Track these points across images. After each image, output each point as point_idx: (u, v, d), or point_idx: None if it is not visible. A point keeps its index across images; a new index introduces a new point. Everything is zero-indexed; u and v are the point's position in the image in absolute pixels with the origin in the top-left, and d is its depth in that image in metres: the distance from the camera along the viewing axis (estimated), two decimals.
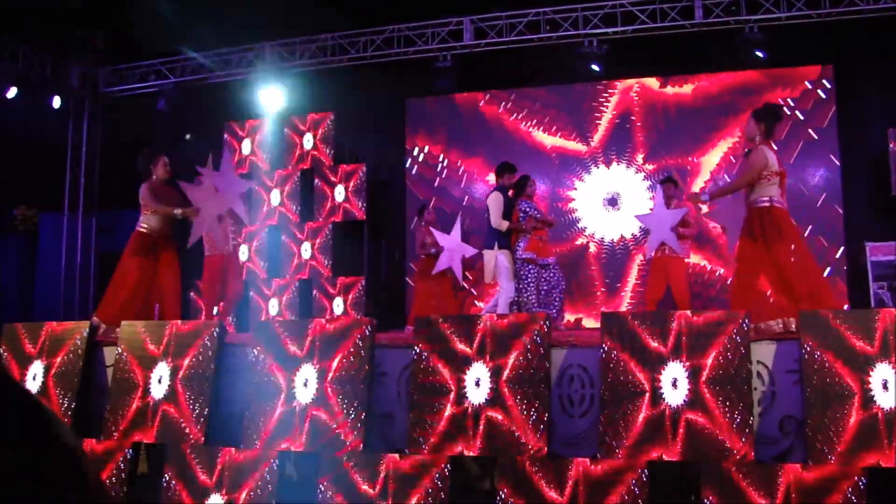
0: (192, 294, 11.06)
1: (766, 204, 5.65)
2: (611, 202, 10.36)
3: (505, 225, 7.74)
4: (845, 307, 8.75)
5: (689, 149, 10.29)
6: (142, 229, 7.05)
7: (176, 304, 7.21)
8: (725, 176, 9.90)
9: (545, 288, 7.75)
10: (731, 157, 9.99)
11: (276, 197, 11.00)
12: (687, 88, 10.40)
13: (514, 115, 11.05)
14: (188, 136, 7.27)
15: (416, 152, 11.26)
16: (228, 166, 7.12)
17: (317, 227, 10.73)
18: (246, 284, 11.01)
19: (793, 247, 5.63)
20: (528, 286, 7.68)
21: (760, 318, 5.33)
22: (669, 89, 10.46)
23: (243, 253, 10.71)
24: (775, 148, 5.99)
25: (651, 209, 8.94)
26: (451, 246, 8.21)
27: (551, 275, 7.80)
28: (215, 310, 8.45)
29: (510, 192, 8.05)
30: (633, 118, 10.52)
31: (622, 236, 10.52)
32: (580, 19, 9.90)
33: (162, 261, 7.08)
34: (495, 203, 7.82)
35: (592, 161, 10.67)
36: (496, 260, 7.76)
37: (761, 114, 5.89)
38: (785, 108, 6.21)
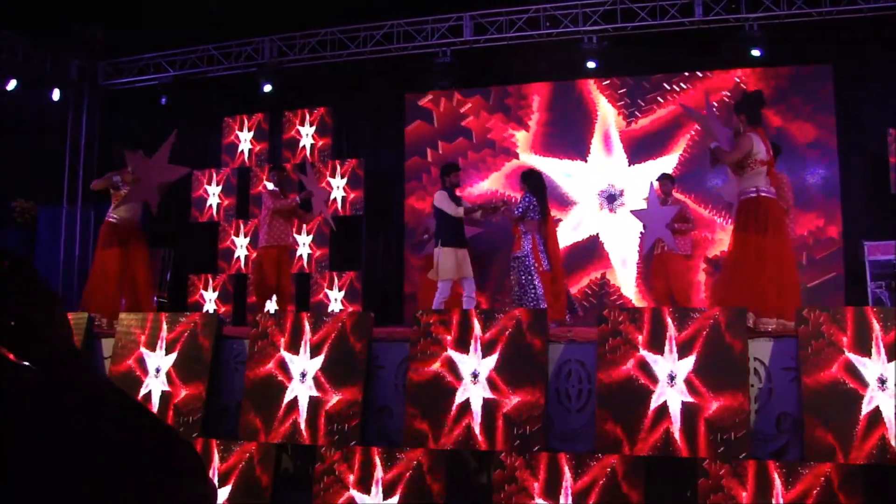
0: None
1: (753, 195, 5.63)
2: (609, 199, 10.31)
3: (461, 211, 7.67)
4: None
5: (683, 146, 10.26)
6: (111, 220, 7.22)
7: (149, 296, 7.37)
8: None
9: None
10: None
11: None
12: (684, 86, 10.37)
13: (508, 114, 10.99)
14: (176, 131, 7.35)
15: (414, 147, 11.23)
16: (165, 153, 7.16)
17: (314, 221, 10.71)
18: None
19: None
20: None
21: (757, 313, 5.30)
22: (667, 87, 10.43)
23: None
24: (763, 136, 5.90)
25: (645, 205, 8.90)
26: None
27: (515, 270, 7.76)
28: (269, 304, 8.43)
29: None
30: (629, 115, 10.48)
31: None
32: (580, 16, 9.89)
33: (132, 252, 7.19)
34: (441, 199, 7.73)
35: (586, 166, 10.64)
36: (436, 257, 7.77)
37: (740, 104, 5.97)
38: (763, 94, 6.24)
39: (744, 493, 4.13)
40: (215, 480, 4.99)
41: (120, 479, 0.97)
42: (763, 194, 5.63)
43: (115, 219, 7.18)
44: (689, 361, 4.51)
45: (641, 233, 9.31)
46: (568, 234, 10.48)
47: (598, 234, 10.46)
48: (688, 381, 4.48)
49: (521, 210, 7.76)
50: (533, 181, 7.98)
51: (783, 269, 5.54)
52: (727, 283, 5.75)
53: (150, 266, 7.51)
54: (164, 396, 5.46)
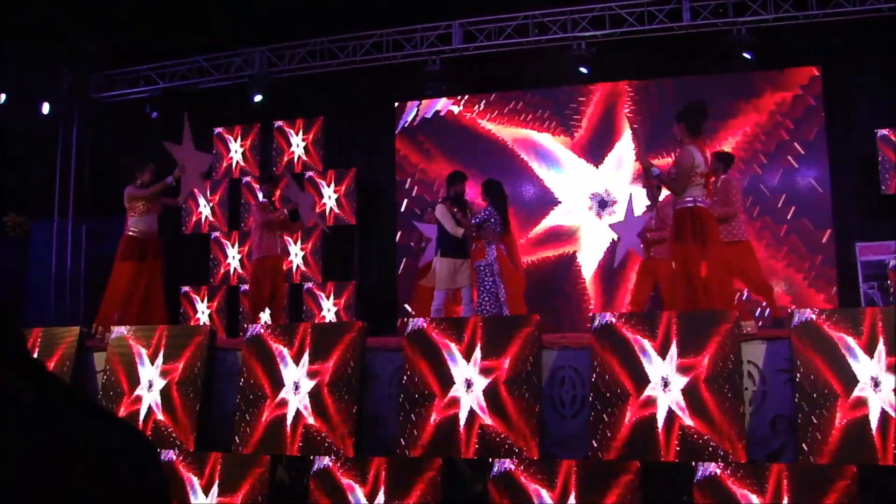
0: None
1: (690, 204, 5.54)
2: (601, 205, 10.26)
3: (460, 231, 7.56)
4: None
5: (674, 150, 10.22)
6: (131, 233, 7.14)
7: (161, 308, 7.31)
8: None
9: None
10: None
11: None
12: (674, 90, 10.36)
13: (500, 119, 10.96)
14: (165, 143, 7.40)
15: (405, 156, 11.23)
16: (189, 141, 7.23)
17: (307, 232, 10.69)
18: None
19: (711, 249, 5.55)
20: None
21: None
22: (655, 90, 10.43)
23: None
24: (704, 146, 5.84)
25: (623, 216, 8.86)
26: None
27: (479, 278, 7.57)
28: (263, 315, 8.41)
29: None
30: (618, 120, 10.46)
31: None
32: (569, 22, 9.92)
33: (149, 265, 7.17)
34: (442, 213, 7.65)
35: (579, 161, 10.57)
36: (434, 266, 7.71)
37: (681, 113, 5.75)
38: (706, 103, 5.99)
39: (739, 498, 4.12)
40: (214, 490, 4.98)
41: (72, 471, 0.97)
42: (699, 204, 5.56)
43: (135, 232, 7.11)
44: (683, 366, 4.51)
45: (613, 241, 9.28)
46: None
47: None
48: (680, 386, 4.48)
49: (478, 220, 7.62)
50: (494, 193, 7.76)
51: (726, 274, 5.54)
52: (680, 295, 5.59)
53: (161, 278, 7.43)
54: (157, 410, 5.43)
